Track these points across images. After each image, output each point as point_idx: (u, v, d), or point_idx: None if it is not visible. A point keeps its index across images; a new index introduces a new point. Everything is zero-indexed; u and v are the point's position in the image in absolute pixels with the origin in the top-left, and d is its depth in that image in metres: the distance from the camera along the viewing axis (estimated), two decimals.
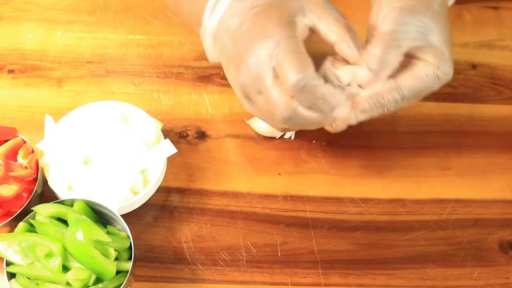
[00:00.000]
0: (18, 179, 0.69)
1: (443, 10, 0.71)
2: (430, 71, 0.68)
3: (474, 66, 0.88)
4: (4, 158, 0.69)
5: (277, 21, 0.67)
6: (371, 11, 0.73)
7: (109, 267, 0.64)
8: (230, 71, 0.70)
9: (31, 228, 0.67)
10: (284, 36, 0.66)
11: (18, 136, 0.72)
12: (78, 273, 0.64)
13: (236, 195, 0.77)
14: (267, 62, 0.66)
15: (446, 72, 0.69)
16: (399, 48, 0.67)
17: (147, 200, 0.74)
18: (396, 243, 0.75)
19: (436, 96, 0.85)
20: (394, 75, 0.67)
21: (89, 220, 0.66)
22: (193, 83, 0.84)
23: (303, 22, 0.68)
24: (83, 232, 0.63)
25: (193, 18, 0.73)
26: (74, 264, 0.65)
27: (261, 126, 0.79)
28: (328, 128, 0.69)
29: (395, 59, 0.67)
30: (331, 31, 0.68)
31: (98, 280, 0.65)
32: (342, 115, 0.67)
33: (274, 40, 0.66)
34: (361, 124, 0.82)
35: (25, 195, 0.70)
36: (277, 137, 0.80)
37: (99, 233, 0.65)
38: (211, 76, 0.84)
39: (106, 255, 0.65)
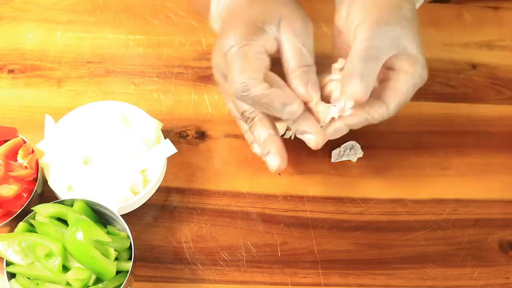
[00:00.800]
0: (18, 179, 0.69)
1: (414, 15, 0.71)
2: (410, 83, 0.69)
3: (474, 66, 0.88)
4: (4, 158, 0.69)
5: (245, 22, 0.68)
6: (335, 12, 0.73)
7: (109, 267, 0.64)
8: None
9: (31, 228, 0.67)
10: (242, 39, 0.67)
11: (18, 136, 0.72)
12: (78, 273, 0.64)
13: (236, 195, 0.77)
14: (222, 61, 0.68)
15: (422, 78, 0.70)
16: (377, 62, 0.67)
17: (147, 200, 0.74)
18: (396, 243, 0.75)
19: (436, 96, 0.85)
20: (376, 92, 0.69)
21: (89, 220, 0.66)
22: (193, 83, 0.84)
23: (274, 35, 0.69)
24: (83, 232, 0.63)
25: (202, 5, 0.76)
26: (74, 264, 0.65)
27: None
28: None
29: (374, 74, 0.67)
30: (292, 59, 0.68)
31: (98, 280, 0.65)
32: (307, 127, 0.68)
33: (232, 40, 0.67)
34: None
35: (25, 195, 0.70)
36: None
37: (99, 233, 0.65)
38: (211, 76, 0.84)
39: (106, 255, 0.65)
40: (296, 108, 0.67)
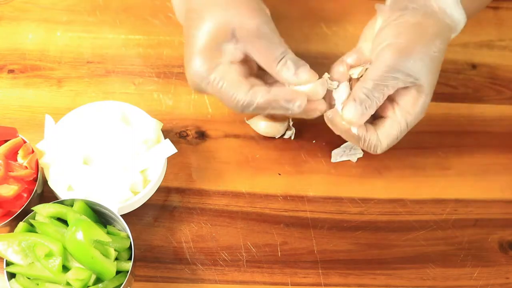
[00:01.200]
0: (18, 179, 0.69)
1: (440, 56, 0.72)
2: (403, 126, 0.72)
3: (474, 66, 0.88)
4: (4, 158, 0.69)
5: (202, 49, 0.70)
6: (373, 18, 0.73)
7: (109, 267, 0.64)
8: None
9: (31, 228, 0.67)
10: (208, 68, 0.69)
11: (18, 136, 0.72)
12: (78, 273, 0.64)
13: (236, 195, 0.77)
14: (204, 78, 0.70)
15: (419, 118, 0.73)
16: (384, 93, 0.69)
17: (147, 200, 0.74)
18: (396, 243, 0.75)
19: (436, 96, 0.85)
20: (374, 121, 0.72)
21: (89, 220, 0.66)
22: None
23: (234, 47, 0.70)
24: (83, 232, 0.63)
25: None
26: (74, 264, 0.65)
27: (261, 126, 0.79)
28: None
29: (376, 104, 0.70)
30: (265, 63, 0.70)
31: (98, 280, 0.65)
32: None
33: (200, 72, 0.70)
34: None
35: (25, 195, 0.70)
36: (277, 137, 0.80)
37: (99, 233, 0.65)
38: None
39: (106, 255, 0.65)
40: (301, 102, 0.69)
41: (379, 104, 0.70)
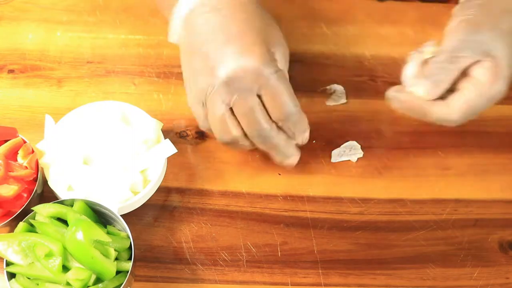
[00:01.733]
0: (18, 179, 0.69)
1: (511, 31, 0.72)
2: (477, 96, 0.70)
3: None
4: (4, 158, 0.69)
5: (224, 90, 0.68)
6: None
7: (109, 267, 0.64)
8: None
9: (31, 228, 0.67)
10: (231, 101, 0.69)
11: (18, 136, 0.72)
12: (78, 273, 0.64)
13: (236, 195, 0.77)
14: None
15: (499, 91, 0.71)
16: (457, 65, 0.69)
17: (147, 200, 0.74)
18: (396, 243, 0.75)
19: None
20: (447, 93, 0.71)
21: (89, 220, 0.66)
22: None
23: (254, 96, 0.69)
24: (83, 232, 0.63)
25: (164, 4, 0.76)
26: (74, 264, 0.65)
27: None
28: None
29: (450, 76, 0.69)
30: (278, 114, 0.70)
31: (98, 280, 0.65)
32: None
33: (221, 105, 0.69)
34: (360, 124, 0.82)
35: (25, 195, 0.70)
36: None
37: (99, 233, 0.65)
38: None
39: (106, 255, 0.65)
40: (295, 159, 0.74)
41: (452, 77, 0.69)
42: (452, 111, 0.71)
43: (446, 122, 0.72)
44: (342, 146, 0.79)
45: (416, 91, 0.70)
